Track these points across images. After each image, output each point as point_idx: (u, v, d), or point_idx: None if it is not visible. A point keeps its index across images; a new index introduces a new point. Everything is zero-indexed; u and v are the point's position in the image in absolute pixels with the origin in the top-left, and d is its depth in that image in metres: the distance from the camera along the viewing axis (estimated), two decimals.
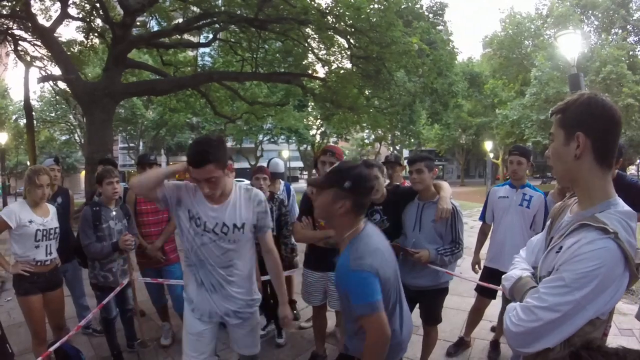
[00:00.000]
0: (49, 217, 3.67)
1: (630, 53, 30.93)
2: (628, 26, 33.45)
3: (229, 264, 2.65)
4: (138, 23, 14.13)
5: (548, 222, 1.72)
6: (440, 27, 27.53)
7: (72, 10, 12.58)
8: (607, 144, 1.41)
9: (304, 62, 14.10)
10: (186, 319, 2.81)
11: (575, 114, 1.41)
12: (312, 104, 26.04)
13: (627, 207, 1.41)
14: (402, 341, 2.21)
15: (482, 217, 4.40)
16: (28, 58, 15.09)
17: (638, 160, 45.87)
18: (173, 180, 2.73)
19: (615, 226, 1.31)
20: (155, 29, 15.05)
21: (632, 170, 49.65)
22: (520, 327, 1.39)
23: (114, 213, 4.00)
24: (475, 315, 4.40)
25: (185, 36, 14.46)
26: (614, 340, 4.28)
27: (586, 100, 1.41)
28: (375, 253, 2.00)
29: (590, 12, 34.03)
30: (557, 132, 1.47)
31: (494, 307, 4.39)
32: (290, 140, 40.97)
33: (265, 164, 5.50)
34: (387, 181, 4.75)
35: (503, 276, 1.74)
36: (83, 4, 12.85)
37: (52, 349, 3.12)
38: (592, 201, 1.43)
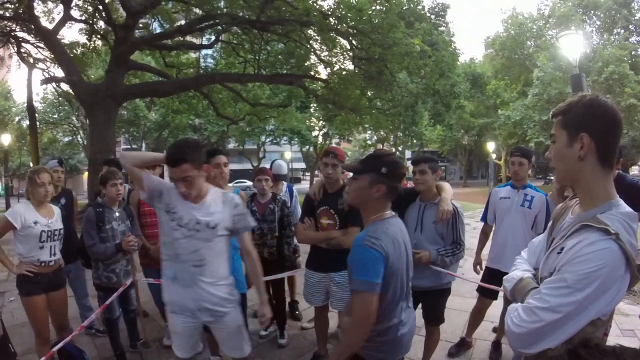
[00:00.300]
0: (54, 218, 3.69)
1: (633, 53, 30.89)
2: (630, 26, 33.42)
3: (200, 263, 2.71)
4: (140, 25, 14.15)
5: (550, 223, 1.73)
6: (442, 28, 27.51)
7: (75, 13, 12.65)
8: (610, 145, 1.42)
9: (306, 64, 14.10)
10: (168, 316, 2.92)
11: (578, 115, 1.42)
12: (315, 105, 26.05)
13: (628, 208, 1.42)
14: (402, 339, 2.23)
15: (484, 218, 4.41)
16: (31, 60, 15.16)
17: None
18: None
19: (616, 227, 1.32)
20: (158, 30, 15.07)
21: (635, 170, 49.54)
22: (522, 327, 1.39)
23: (117, 214, 4.03)
24: (477, 316, 4.41)
25: (188, 38, 14.48)
26: (615, 340, 4.28)
27: (589, 101, 1.42)
28: (391, 241, 2.08)
29: (592, 12, 34.00)
30: (559, 134, 1.48)
31: (495, 308, 4.40)
32: (292, 142, 40.93)
33: (268, 165, 5.52)
34: None
35: (504, 277, 1.75)
36: (86, 6, 12.91)
37: (55, 349, 3.14)
38: (594, 202, 1.44)
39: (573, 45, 8.49)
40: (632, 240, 1.33)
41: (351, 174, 2.32)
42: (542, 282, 1.47)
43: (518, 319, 1.41)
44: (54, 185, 4.44)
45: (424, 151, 55.13)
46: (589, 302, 1.29)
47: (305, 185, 46.02)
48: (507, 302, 3.51)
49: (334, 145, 35.03)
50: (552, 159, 1.54)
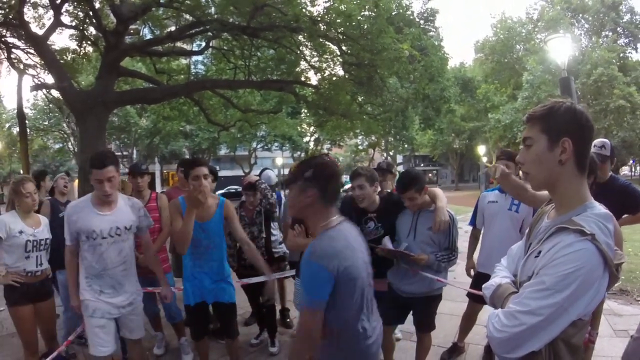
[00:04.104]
0: (40, 228, 3.67)
1: (621, 55, 31.28)
2: (618, 28, 33.87)
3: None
4: (131, 31, 14.10)
5: (527, 230, 1.75)
6: (431, 33, 27.68)
7: (65, 19, 12.47)
8: (586, 150, 1.48)
9: (296, 70, 14.04)
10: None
11: (563, 121, 1.45)
12: (306, 111, 26.09)
13: (603, 210, 1.45)
14: (369, 350, 2.18)
15: (473, 222, 4.43)
16: (21, 66, 15.00)
17: (631, 161, 46.40)
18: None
19: (592, 228, 1.35)
20: (148, 36, 15.01)
21: (624, 170, 50.07)
22: (504, 332, 1.40)
23: None
24: (468, 321, 4.41)
25: (178, 44, 14.44)
26: (609, 341, 4.31)
27: (571, 108, 1.45)
28: (343, 251, 2.00)
29: (580, 15, 34.43)
30: (537, 137, 1.50)
31: (487, 312, 4.39)
32: (284, 148, 41.01)
33: (257, 172, 5.54)
34: (379, 189, 4.76)
35: (483, 285, 1.78)
36: (76, 12, 12.80)
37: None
38: (570, 205, 1.48)
39: (562, 49, 8.58)
40: (609, 241, 1.36)
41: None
42: (521, 287, 1.49)
43: (499, 324, 1.43)
44: (61, 193, 4.65)
45: (415, 155, 55.29)
46: (569, 304, 1.32)
47: None
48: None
49: (325, 150, 35.14)
50: (526, 163, 1.56)
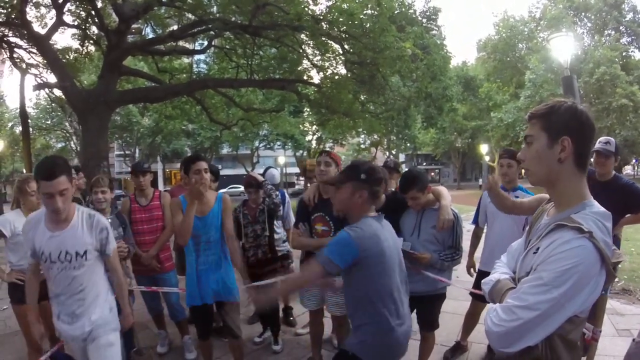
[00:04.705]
0: None
1: (624, 54, 31.23)
2: (621, 27, 33.82)
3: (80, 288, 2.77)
4: (133, 30, 14.09)
5: (527, 227, 1.77)
6: (434, 32, 27.63)
7: (68, 18, 12.51)
8: (587, 149, 1.49)
9: (298, 68, 14.02)
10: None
11: (563, 119, 1.47)
12: (308, 109, 26.08)
13: (602, 208, 1.46)
14: (392, 341, 2.32)
15: (475, 221, 4.43)
16: (24, 65, 15.03)
17: (633, 160, 46.36)
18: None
19: (590, 226, 1.36)
20: (150, 36, 15.02)
21: (627, 170, 50.05)
22: (502, 327, 1.42)
23: (109, 221, 3.99)
24: (471, 320, 4.40)
25: (180, 43, 14.43)
26: (611, 340, 4.31)
27: (572, 107, 1.47)
28: (372, 237, 2.23)
29: (583, 14, 34.39)
30: (538, 135, 1.52)
31: None
32: (286, 146, 41.00)
33: (261, 171, 5.54)
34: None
35: (483, 280, 1.80)
36: (78, 11, 12.82)
37: (43, 358, 3.13)
38: (568, 203, 1.50)
39: (564, 47, 8.53)
40: (606, 239, 1.38)
41: None
42: (520, 282, 1.51)
43: (497, 319, 1.45)
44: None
45: (417, 154, 55.19)
46: (566, 300, 1.33)
47: (299, 189, 46.00)
48: None
49: (327, 149, 35.09)
50: (526, 160, 1.58)
